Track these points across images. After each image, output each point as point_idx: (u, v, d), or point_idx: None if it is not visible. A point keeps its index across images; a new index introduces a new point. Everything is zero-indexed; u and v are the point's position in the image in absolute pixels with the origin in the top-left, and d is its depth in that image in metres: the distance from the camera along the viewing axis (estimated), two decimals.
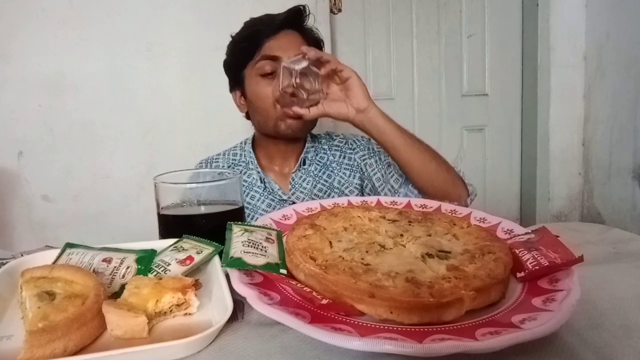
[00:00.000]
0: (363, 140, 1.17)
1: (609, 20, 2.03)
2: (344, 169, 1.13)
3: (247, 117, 1.16)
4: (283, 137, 1.07)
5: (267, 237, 0.56)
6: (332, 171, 1.12)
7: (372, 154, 1.14)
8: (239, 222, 0.59)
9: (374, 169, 1.11)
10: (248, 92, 1.08)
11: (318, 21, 1.86)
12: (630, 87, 1.93)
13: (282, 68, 0.94)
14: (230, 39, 1.12)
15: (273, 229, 0.60)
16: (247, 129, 1.69)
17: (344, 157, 1.15)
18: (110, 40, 1.69)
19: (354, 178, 1.12)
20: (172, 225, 0.64)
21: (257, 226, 0.59)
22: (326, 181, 1.11)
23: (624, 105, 1.97)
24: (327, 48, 1.91)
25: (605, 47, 2.06)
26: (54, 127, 1.67)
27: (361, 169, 1.13)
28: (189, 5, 1.74)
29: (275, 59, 1.01)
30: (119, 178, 1.73)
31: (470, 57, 2.18)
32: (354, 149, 1.16)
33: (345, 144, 1.18)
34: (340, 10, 2.00)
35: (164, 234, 0.64)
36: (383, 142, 0.98)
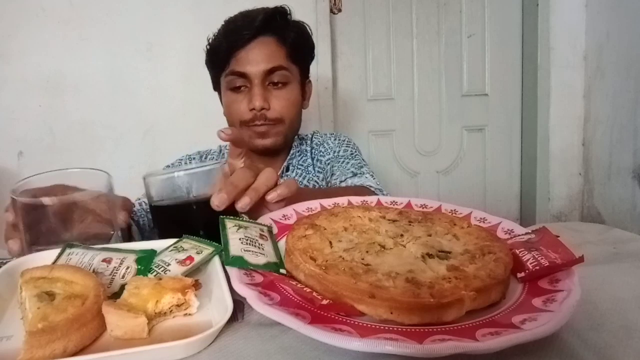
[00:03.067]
0: (333, 143, 1.14)
1: (609, 20, 2.03)
2: (317, 172, 1.10)
3: None
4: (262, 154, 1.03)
5: (260, 234, 0.56)
6: (310, 174, 1.09)
7: (335, 159, 1.10)
8: (231, 217, 0.58)
9: (336, 176, 1.06)
10: (222, 101, 1.06)
11: (318, 21, 1.87)
12: (630, 87, 1.93)
13: None
14: (210, 38, 1.06)
15: (264, 225, 0.60)
16: None
17: (317, 160, 1.12)
18: (110, 40, 1.69)
19: (326, 184, 1.08)
20: (165, 217, 0.61)
21: (249, 221, 0.59)
22: (306, 186, 1.07)
23: (624, 105, 1.97)
24: (327, 48, 1.91)
25: (605, 47, 2.06)
26: (54, 127, 1.67)
27: (327, 172, 1.09)
28: (189, 5, 1.74)
29: (243, 75, 0.97)
30: (119, 178, 1.72)
31: (470, 57, 2.18)
32: (322, 152, 1.13)
33: (320, 145, 1.14)
34: (340, 10, 2.00)
35: (160, 228, 0.62)
36: None
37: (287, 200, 0.65)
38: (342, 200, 0.71)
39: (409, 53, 2.12)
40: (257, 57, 0.96)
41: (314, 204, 0.69)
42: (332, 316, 0.41)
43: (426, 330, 0.39)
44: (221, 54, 0.99)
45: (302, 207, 0.69)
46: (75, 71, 1.67)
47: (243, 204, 0.58)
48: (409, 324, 0.41)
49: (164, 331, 0.44)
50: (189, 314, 0.47)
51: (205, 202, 0.58)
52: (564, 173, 2.24)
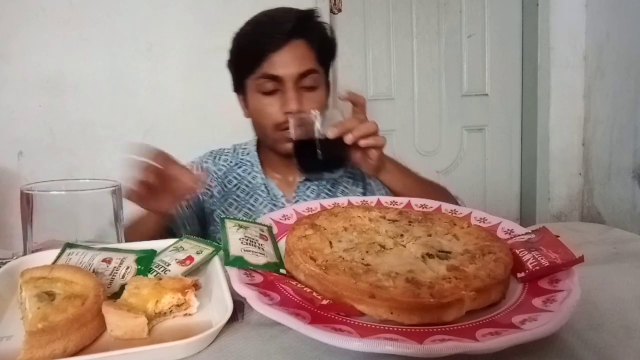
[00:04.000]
0: None
1: (609, 20, 2.03)
2: (347, 177, 1.08)
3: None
4: (280, 156, 1.02)
5: (260, 234, 0.56)
6: (335, 180, 1.07)
7: None
8: (231, 217, 0.59)
9: (378, 184, 1.04)
10: (249, 104, 1.02)
11: None
12: (630, 87, 1.93)
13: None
14: (233, 36, 1.03)
15: (264, 225, 0.60)
16: (247, 130, 1.69)
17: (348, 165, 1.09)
18: (110, 40, 1.69)
19: (357, 187, 1.07)
20: (301, 148, 0.88)
21: (249, 221, 0.59)
22: (330, 190, 1.06)
23: (624, 105, 1.97)
24: None
25: (605, 47, 2.06)
26: (54, 127, 1.67)
27: (364, 179, 1.08)
28: (189, 5, 1.74)
29: (276, 78, 0.95)
30: (119, 178, 1.73)
31: (470, 57, 2.18)
32: None
33: None
34: (340, 10, 2.00)
35: (297, 157, 0.89)
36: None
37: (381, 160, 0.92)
38: (342, 200, 0.72)
39: (409, 53, 2.12)
40: (290, 61, 0.95)
41: (314, 204, 0.69)
42: (332, 316, 0.41)
43: (426, 330, 0.39)
44: (251, 57, 0.97)
45: (302, 207, 0.69)
46: (75, 71, 1.67)
47: (348, 138, 0.85)
48: (409, 324, 0.41)
49: (164, 331, 0.44)
50: (189, 314, 0.47)
51: (325, 139, 0.86)
52: (564, 173, 2.24)
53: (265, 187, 1.05)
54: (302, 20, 0.97)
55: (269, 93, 0.97)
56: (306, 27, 0.98)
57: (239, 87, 1.06)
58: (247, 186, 1.05)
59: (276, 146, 0.99)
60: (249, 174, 1.07)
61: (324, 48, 1.02)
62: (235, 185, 1.06)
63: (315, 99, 0.99)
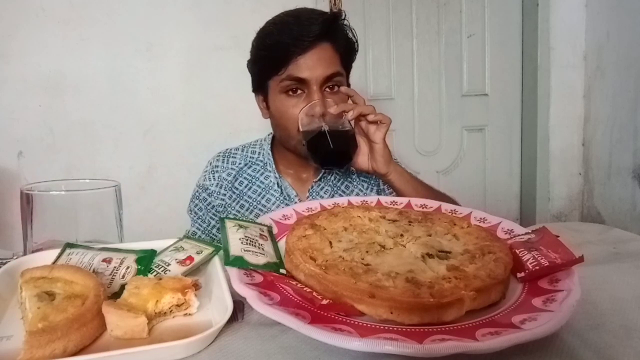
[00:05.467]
0: None
1: (609, 20, 2.03)
2: (362, 180, 1.08)
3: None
4: (301, 157, 1.02)
5: (260, 234, 0.56)
6: (350, 182, 1.07)
7: None
8: (232, 217, 0.59)
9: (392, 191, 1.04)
10: (271, 106, 1.02)
11: None
12: (630, 87, 1.93)
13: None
14: (255, 36, 1.02)
15: (264, 225, 0.60)
16: (248, 129, 1.69)
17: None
18: (110, 40, 1.69)
19: (371, 191, 1.07)
20: (310, 137, 0.90)
21: (249, 221, 0.59)
22: (344, 192, 1.06)
23: (624, 105, 1.97)
24: None
25: (605, 47, 2.06)
26: (54, 127, 1.67)
27: (378, 183, 1.08)
28: (189, 5, 1.74)
29: (302, 81, 0.95)
30: (118, 178, 1.72)
31: (470, 57, 2.18)
32: None
33: None
34: (340, 10, 2.00)
35: (307, 145, 0.91)
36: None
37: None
38: (342, 201, 0.72)
39: (409, 53, 2.12)
40: (316, 64, 0.95)
41: (314, 204, 0.69)
42: (332, 316, 0.41)
43: (426, 330, 0.39)
44: (276, 59, 0.97)
45: (302, 207, 0.69)
46: (75, 71, 1.67)
47: (350, 114, 0.91)
48: (409, 324, 0.41)
49: (164, 331, 0.44)
50: (189, 314, 0.47)
51: (334, 130, 0.90)
52: (564, 173, 2.24)
53: (279, 187, 1.04)
54: (328, 22, 0.96)
55: (293, 95, 0.97)
56: (332, 30, 0.97)
57: (259, 87, 1.04)
58: (259, 186, 1.04)
59: (299, 147, 0.98)
60: (261, 174, 1.06)
61: (347, 51, 1.02)
62: (247, 186, 1.05)
63: (339, 100, 0.99)
